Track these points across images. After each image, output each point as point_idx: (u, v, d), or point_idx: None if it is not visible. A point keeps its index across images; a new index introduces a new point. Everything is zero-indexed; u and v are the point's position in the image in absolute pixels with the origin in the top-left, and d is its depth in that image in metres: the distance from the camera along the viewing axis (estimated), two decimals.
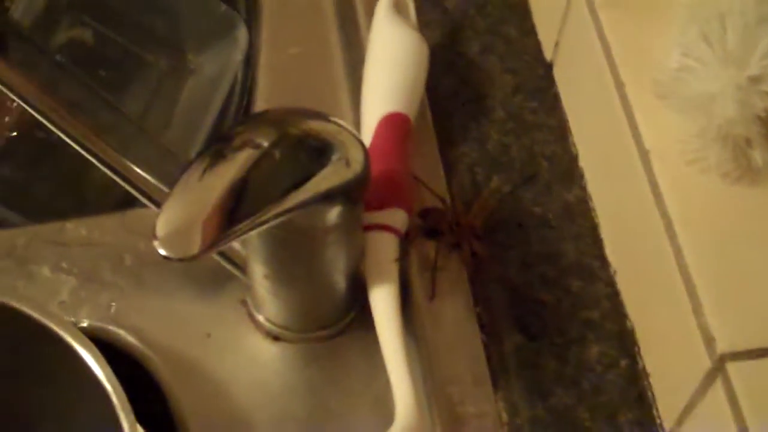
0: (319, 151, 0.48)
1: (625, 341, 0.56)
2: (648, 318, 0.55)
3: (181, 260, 0.42)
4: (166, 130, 0.74)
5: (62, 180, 0.73)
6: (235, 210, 0.44)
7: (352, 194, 0.50)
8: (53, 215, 0.64)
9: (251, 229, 0.45)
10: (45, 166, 0.73)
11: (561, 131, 0.63)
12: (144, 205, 0.54)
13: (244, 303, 0.59)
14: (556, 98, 0.65)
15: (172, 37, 0.77)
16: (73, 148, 0.53)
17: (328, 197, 0.48)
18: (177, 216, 0.43)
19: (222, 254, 0.56)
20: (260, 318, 0.58)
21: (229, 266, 0.57)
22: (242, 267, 0.56)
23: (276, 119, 0.48)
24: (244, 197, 0.44)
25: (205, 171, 0.44)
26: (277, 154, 0.46)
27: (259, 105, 0.68)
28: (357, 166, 0.49)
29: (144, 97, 0.76)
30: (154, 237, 0.42)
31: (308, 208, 0.47)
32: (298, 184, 0.46)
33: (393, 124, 0.58)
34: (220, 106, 0.72)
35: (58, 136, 0.53)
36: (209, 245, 0.43)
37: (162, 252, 0.42)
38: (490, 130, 0.64)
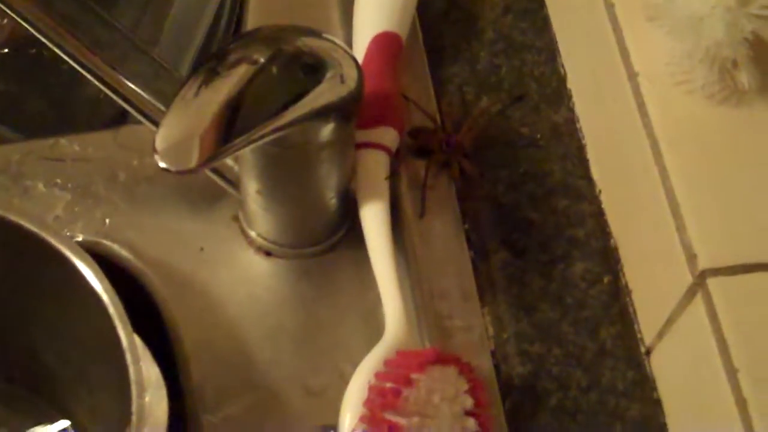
0: (313, 68, 0.48)
1: (609, 259, 0.57)
2: (631, 236, 0.56)
3: (179, 173, 0.43)
4: (156, 44, 0.74)
5: (54, 95, 0.73)
6: (231, 125, 0.45)
7: (346, 111, 0.50)
8: (46, 130, 0.64)
9: (247, 144, 0.45)
10: (37, 81, 0.73)
11: (550, 52, 0.64)
12: (137, 122, 0.54)
13: (236, 219, 0.60)
14: (545, 20, 0.65)
15: None
16: (66, 64, 0.54)
17: (322, 114, 0.49)
18: (175, 130, 0.44)
19: (215, 170, 0.57)
20: (252, 233, 0.59)
21: (221, 182, 0.57)
22: (235, 183, 0.57)
23: (270, 36, 0.49)
24: (239, 113, 0.45)
25: (200, 87, 0.45)
26: (271, 70, 0.47)
27: (251, 21, 0.68)
28: (351, 83, 0.49)
29: (134, 10, 0.76)
30: (154, 150, 0.43)
31: (302, 124, 0.48)
32: (293, 101, 0.47)
33: (385, 43, 0.59)
34: (210, 21, 0.71)
35: (51, 51, 0.54)
36: (207, 159, 0.44)
37: (162, 165, 0.43)
38: (479, 50, 0.64)
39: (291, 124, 0.47)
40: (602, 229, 0.58)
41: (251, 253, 0.59)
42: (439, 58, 0.64)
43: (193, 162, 0.43)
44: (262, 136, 0.46)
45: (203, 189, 0.60)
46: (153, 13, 0.75)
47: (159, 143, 0.43)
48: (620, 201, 0.57)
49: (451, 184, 0.59)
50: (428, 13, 0.65)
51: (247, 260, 0.59)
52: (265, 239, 0.59)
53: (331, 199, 0.56)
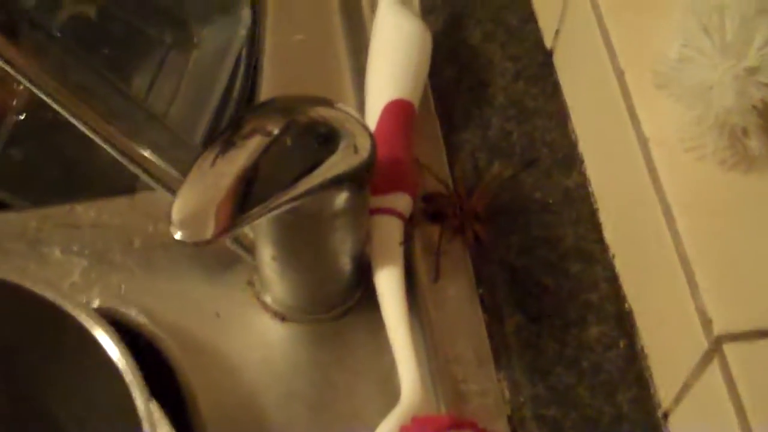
0: (327, 138, 0.49)
1: (624, 323, 0.57)
2: (646, 300, 0.56)
3: (196, 244, 0.44)
4: (171, 106, 0.75)
5: (70, 160, 0.74)
6: (246, 196, 0.45)
7: (360, 180, 0.51)
8: (61, 196, 0.65)
9: (262, 214, 0.46)
10: (53, 147, 0.74)
11: (561, 118, 0.65)
12: (152, 188, 0.55)
13: (251, 284, 0.60)
14: (556, 85, 0.66)
15: (175, 10, 0.78)
16: (81, 131, 0.54)
17: (336, 183, 0.49)
18: (191, 202, 0.44)
19: (230, 237, 0.58)
20: (267, 299, 0.59)
21: (237, 249, 0.58)
22: (250, 249, 0.58)
23: (284, 107, 0.49)
24: (255, 183, 0.46)
25: (216, 158, 0.46)
26: (286, 141, 0.47)
27: (265, 90, 0.69)
28: (364, 152, 0.50)
29: (149, 72, 0.77)
30: (170, 222, 0.43)
31: (317, 193, 0.49)
32: (307, 171, 0.48)
33: (397, 110, 0.60)
34: (224, 84, 0.72)
35: (66, 117, 0.54)
36: (222, 230, 0.44)
37: (178, 236, 0.43)
38: (491, 116, 0.65)
39: (306, 194, 0.47)
40: (616, 293, 0.58)
41: (266, 318, 0.60)
42: (452, 124, 0.64)
43: (209, 233, 0.44)
44: (278, 206, 0.46)
45: (218, 255, 0.60)
46: (169, 72, 0.77)
47: (175, 214, 0.44)
48: (634, 265, 0.57)
49: (464, 249, 0.59)
50: (440, 80, 0.66)
51: (262, 325, 0.60)
52: (280, 304, 0.59)
53: (346, 264, 0.57)
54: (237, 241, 0.58)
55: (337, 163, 0.48)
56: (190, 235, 0.44)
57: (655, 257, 0.53)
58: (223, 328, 0.59)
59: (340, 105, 0.50)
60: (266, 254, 0.55)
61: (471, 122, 0.65)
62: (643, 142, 0.53)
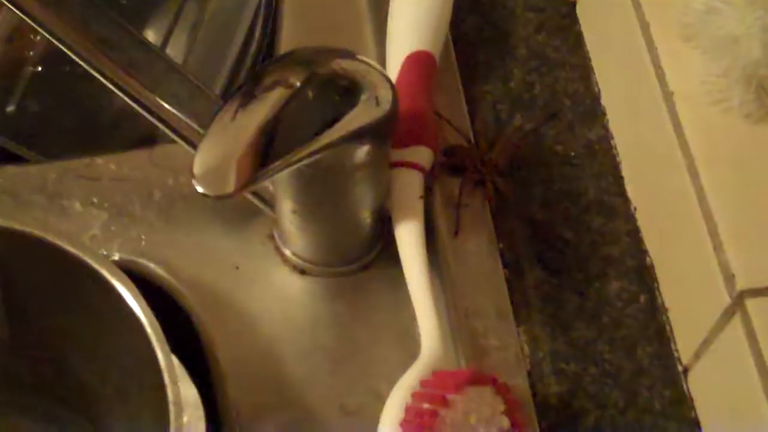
0: (348, 91, 0.49)
1: (645, 277, 0.57)
2: (667, 254, 0.56)
3: (218, 198, 0.44)
4: (189, 57, 0.74)
5: (86, 111, 0.74)
6: (267, 149, 0.45)
7: (381, 133, 0.51)
8: (80, 149, 0.65)
9: (284, 168, 0.46)
10: (70, 98, 0.74)
11: (583, 70, 0.64)
12: (170, 140, 0.55)
13: (271, 237, 0.60)
14: (578, 37, 0.65)
15: None
16: (98, 82, 0.54)
17: (357, 136, 0.49)
18: (213, 155, 0.44)
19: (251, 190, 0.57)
20: (287, 252, 0.59)
21: (257, 202, 0.58)
22: (270, 203, 0.58)
23: (305, 59, 0.49)
24: (276, 136, 0.45)
25: (237, 111, 0.45)
26: (307, 93, 0.47)
27: (284, 41, 0.69)
28: (386, 104, 0.49)
29: (166, 22, 0.76)
30: (192, 175, 0.43)
31: (338, 147, 0.48)
32: (328, 124, 0.47)
33: (418, 62, 0.59)
34: (243, 36, 0.72)
35: (84, 68, 0.54)
36: (244, 184, 0.44)
37: (200, 189, 0.43)
38: (513, 68, 0.64)
39: (327, 147, 0.47)
40: (638, 248, 0.58)
41: (286, 271, 0.60)
42: (473, 76, 0.64)
43: (231, 187, 0.44)
44: (299, 160, 0.46)
45: (238, 208, 0.60)
46: (185, 22, 0.76)
47: (197, 168, 0.44)
48: (656, 219, 0.57)
49: (485, 203, 0.59)
50: (461, 31, 0.65)
51: (282, 278, 0.60)
52: (300, 258, 0.59)
53: (366, 218, 0.57)
54: (257, 194, 0.58)
55: (358, 116, 0.48)
56: (212, 189, 0.44)
57: (678, 211, 0.53)
58: (242, 281, 0.59)
59: (361, 57, 0.50)
60: (286, 207, 0.55)
61: (492, 74, 0.64)
62: (668, 94, 0.52)
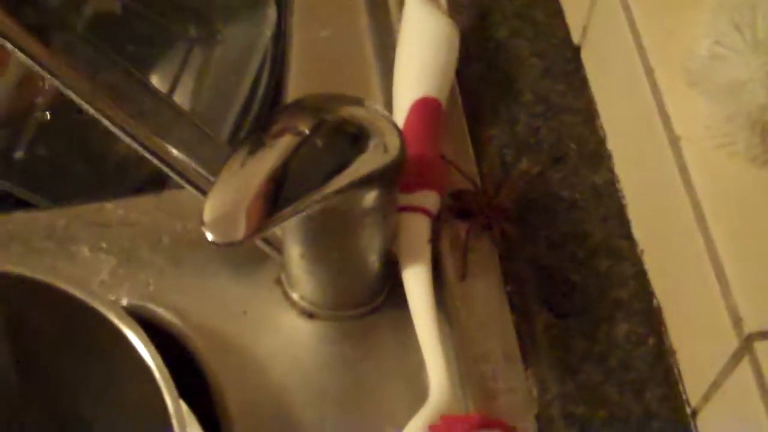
0: (357, 137, 0.49)
1: (652, 320, 0.57)
2: (675, 297, 0.56)
3: (227, 245, 0.44)
4: (195, 103, 0.75)
5: (96, 159, 0.74)
6: (277, 196, 0.45)
7: (389, 178, 0.51)
8: (88, 195, 0.66)
9: (293, 215, 0.46)
10: (79, 145, 0.74)
11: (588, 114, 0.64)
12: (179, 186, 0.55)
13: (278, 282, 0.60)
14: (583, 81, 0.65)
15: (200, 7, 0.78)
16: (105, 128, 0.54)
17: (366, 182, 0.49)
18: (222, 203, 0.45)
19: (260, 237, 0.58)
20: (295, 296, 0.59)
21: (265, 247, 0.58)
22: (278, 247, 0.58)
23: (314, 106, 0.49)
24: (285, 183, 0.46)
25: (246, 158, 0.46)
26: (315, 140, 0.47)
27: (291, 87, 0.69)
28: (394, 151, 0.50)
29: (173, 69, 0.77)
30: (202, 222, 0.44)
31: (347, 193, 0.49)
32: (337, 170, 0.48)
33: (425, 108, 0.59)
34: (250, 81, 0.72)
35: (93, 115, 0.54)
36: (253, 231, 0.44)
37: (209, 237, 0.44)
38: (518, 112, 0.65)
39: (336, 193, 0.47)
40: (645, 290, 0.58)
41: (294, 315, 0.60)
42: (479, 121, 0.64)
43: (240, 234, 0.44)
44: (308, 206, 0.46)
45: (246, 253, 0.60)
46: (192, 69, 0.77)
47: (207, 215, 0.44)
48: (663, 261, 0.57)
49: (492, 247, 0.59)
50: (467, 77, 0.66)
51: (290, 323, 0.60)
52: (307, 302, 0.59)
53: (374, 262, 0.57)
54: (265, 239, 0.58)
55: (366, 162, 0.49)
56: (222, 236, 0.44)
57: (685, 254, 0.53)
58: (250, 326, 0.59)
59: (369, 103, 0.50)
60: (294, 252, 0.55)
61: (498, 118, 0.64)
62: (673, 139, 0.52)
